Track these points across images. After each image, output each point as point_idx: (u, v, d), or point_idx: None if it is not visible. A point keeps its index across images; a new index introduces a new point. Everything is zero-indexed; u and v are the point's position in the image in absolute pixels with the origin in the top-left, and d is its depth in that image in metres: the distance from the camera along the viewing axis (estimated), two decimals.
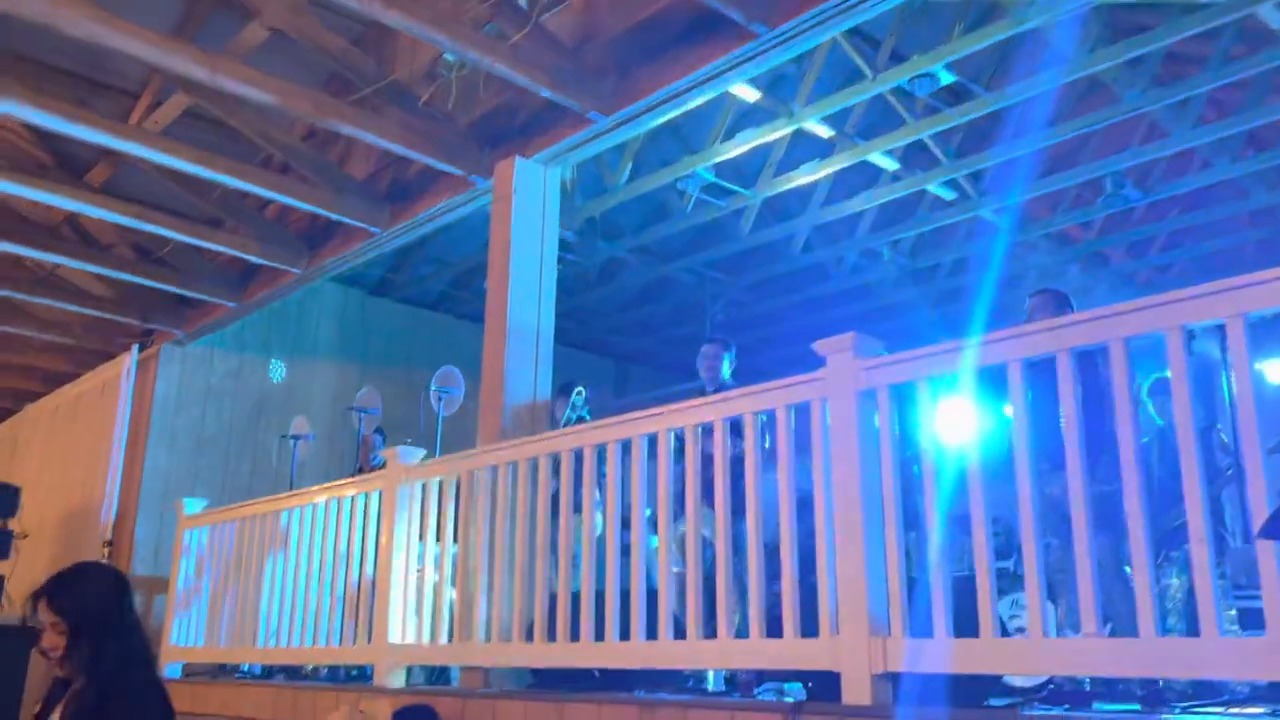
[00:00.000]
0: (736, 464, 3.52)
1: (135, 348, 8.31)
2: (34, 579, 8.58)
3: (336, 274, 7.71)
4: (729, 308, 9.63)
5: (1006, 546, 6.22)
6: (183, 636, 6.26)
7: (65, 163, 6.47)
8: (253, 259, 6.91)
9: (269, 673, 5.89)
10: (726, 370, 5.05)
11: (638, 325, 10.36)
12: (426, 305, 9.56)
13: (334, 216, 6.28)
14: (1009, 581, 5.63)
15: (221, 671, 6.09)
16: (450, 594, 4.57)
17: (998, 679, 3.66)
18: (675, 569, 3.86)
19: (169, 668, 6.34)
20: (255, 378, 8.51)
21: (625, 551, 3.92)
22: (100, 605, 2.59)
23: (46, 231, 7.23)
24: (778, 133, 6.41)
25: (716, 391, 4.64)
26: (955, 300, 9.23)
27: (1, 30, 5.45)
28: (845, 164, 6.82)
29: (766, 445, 3.86)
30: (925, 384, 3.02)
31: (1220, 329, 2.50)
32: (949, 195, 7.38)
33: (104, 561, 7.53)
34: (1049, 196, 7.68)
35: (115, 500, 7.95)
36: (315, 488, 5.58)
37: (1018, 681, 4.52)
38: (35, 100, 5.17)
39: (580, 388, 5.23)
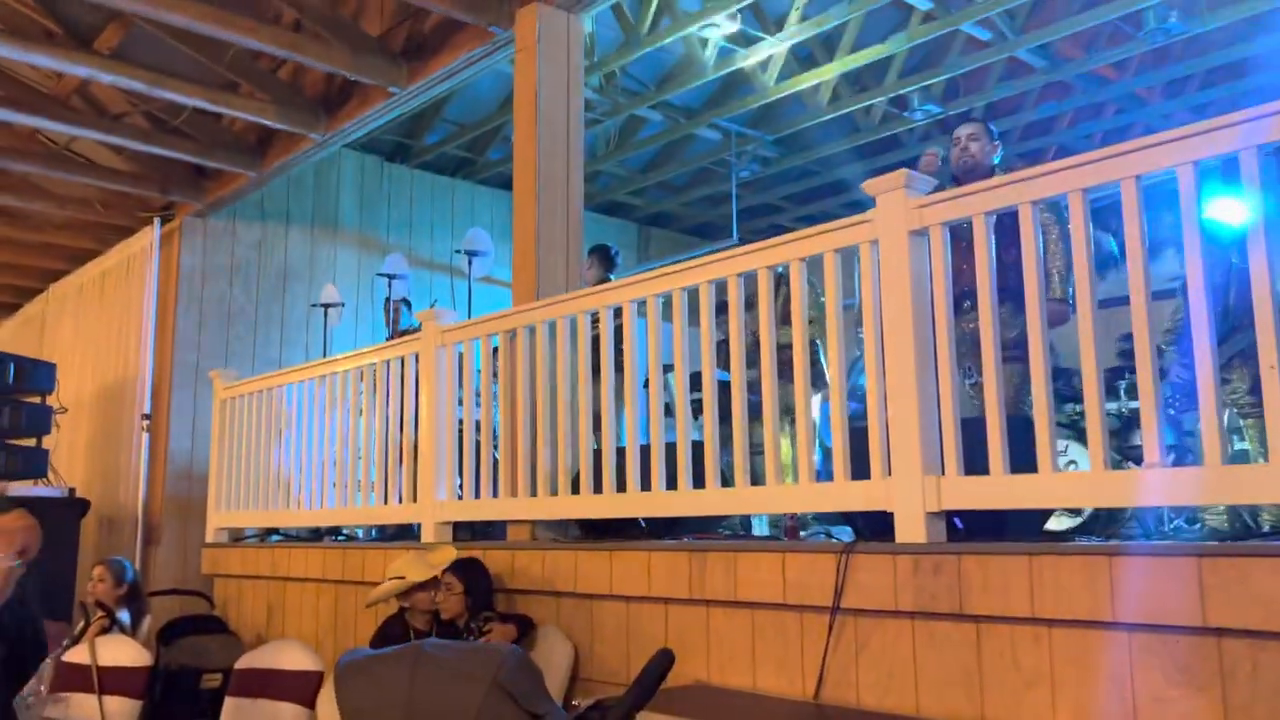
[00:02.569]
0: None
1: (157, 221, 8.24)
2: (75, 453, 8.77)
3: (354, 140, 7.57)
4: (753, 165, 9.42)
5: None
6: (227, 503, 6.39)
7: (72, 29, 6.27)
8: (269, 124, 6.76)
9: (316, 534, 6.01)
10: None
11: (659, 187, 10.18)
12: (445, 171, 9.40)
13: (350, 76, 6.09)
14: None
15: (268, 535, 6.22)
16: (494, 453, 4.61)
17: (1044, 521, 3.69)
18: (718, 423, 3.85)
19: (216, 534, 6.50)
20: (279, 248, 8.46)
21: (669, 411, 3.92)
22: None
23: (58, 103, 7.07)
24: None
25: None
26: None
27: None
28: (874, 4, 6.53)
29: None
30: (982, 220, 2.93)
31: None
32: (984, 35, 7.09)
33: None
34: (1083, 35, 7.37)
35: (150, 374, 8.01)
36: (350, 353, 5.58)
37: (1052, 524, 4.58)
38: None
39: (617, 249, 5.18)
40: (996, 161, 4.20)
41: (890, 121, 8.60)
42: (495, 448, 4.66)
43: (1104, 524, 4.57)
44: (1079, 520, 4.72)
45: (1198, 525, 4.78)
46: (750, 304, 3.80)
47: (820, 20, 6.75)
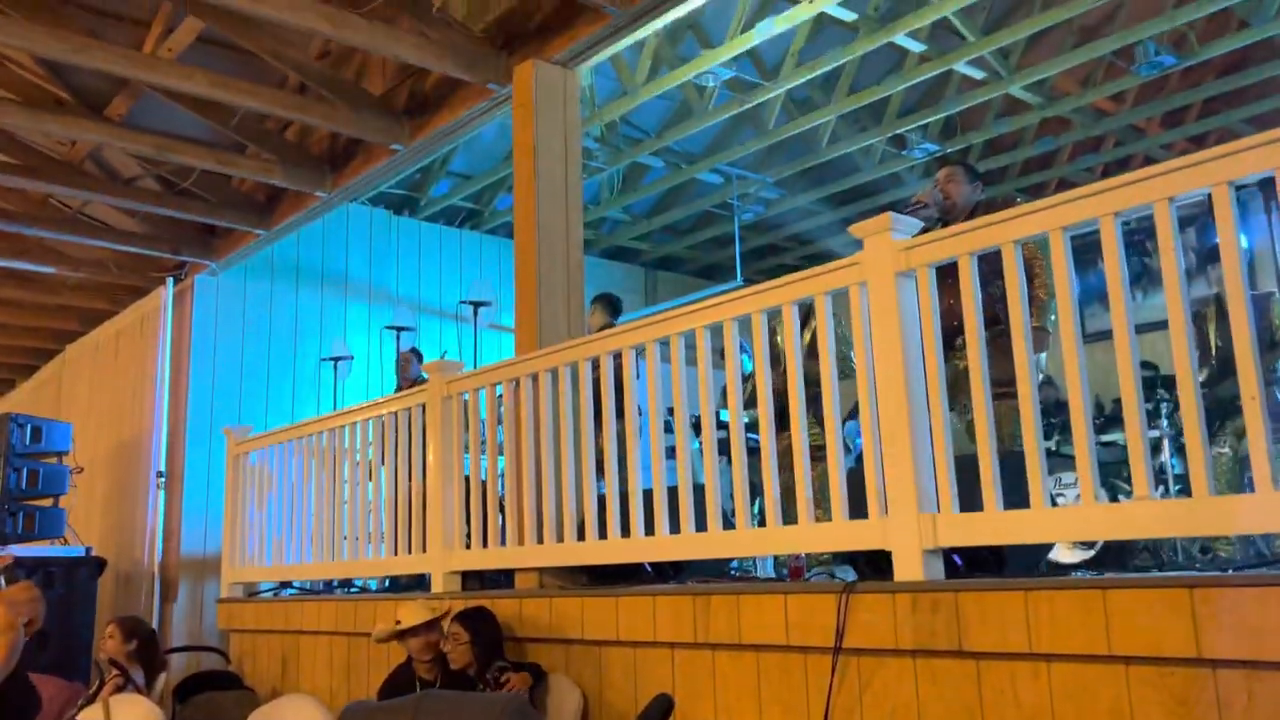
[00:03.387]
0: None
1: (170, 281, 8.38)
2: (91, 511, 8.84)
3: (361, 195, 7.71)
4: (755, 206, 9.52)
5: (1046, 427, 6.23)
6: (241, 558, 6.44)
7: (83, 98, 6.44)
8: (276, 183, 6.90)
9: (329, 587, 6.05)
10: None
11: (664, 231, 10.28)
12: (451, 223, 9.53)
13: (354, 135, 6.23)
14: (1051, 461, 5.64)
15: (281, 589, 6.26)
16: (500, 501, 4.65)
17: (1046, 554, 3.71)
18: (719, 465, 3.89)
19: (231, 588, 6.55)
20: (289, 303, 8.58)
21: (670, 454, 3.96)
22: None
23: (71, 168, 7.24)
24: (798, 20, 6.24)
25: None
26: (988, 184, 9.06)
27: None
28: (869, 48, 6.65)
29: (807, 341, 3.86)
30: (968, 260, 2.98)
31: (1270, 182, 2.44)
32: (978, 74, 7.19)
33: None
34: (1080, 69, 7.46)
35: (164, 432, 8.11)
36: (359, 406, 5.65)
37: (1064, 558, 4.58)
38: (47, 34, 5.13)
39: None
40: (979, 200, 4.26)
41: (890, 160, 8.69)
42: (502, 496, 4.71)
43: (1116, 555, 4.56)
44: (1090, 553, 4.72)
45: (1210, 555, 4.77)
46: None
47: (815, 65, 6.86)
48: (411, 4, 5.30)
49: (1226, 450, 4.99)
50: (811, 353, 3.99)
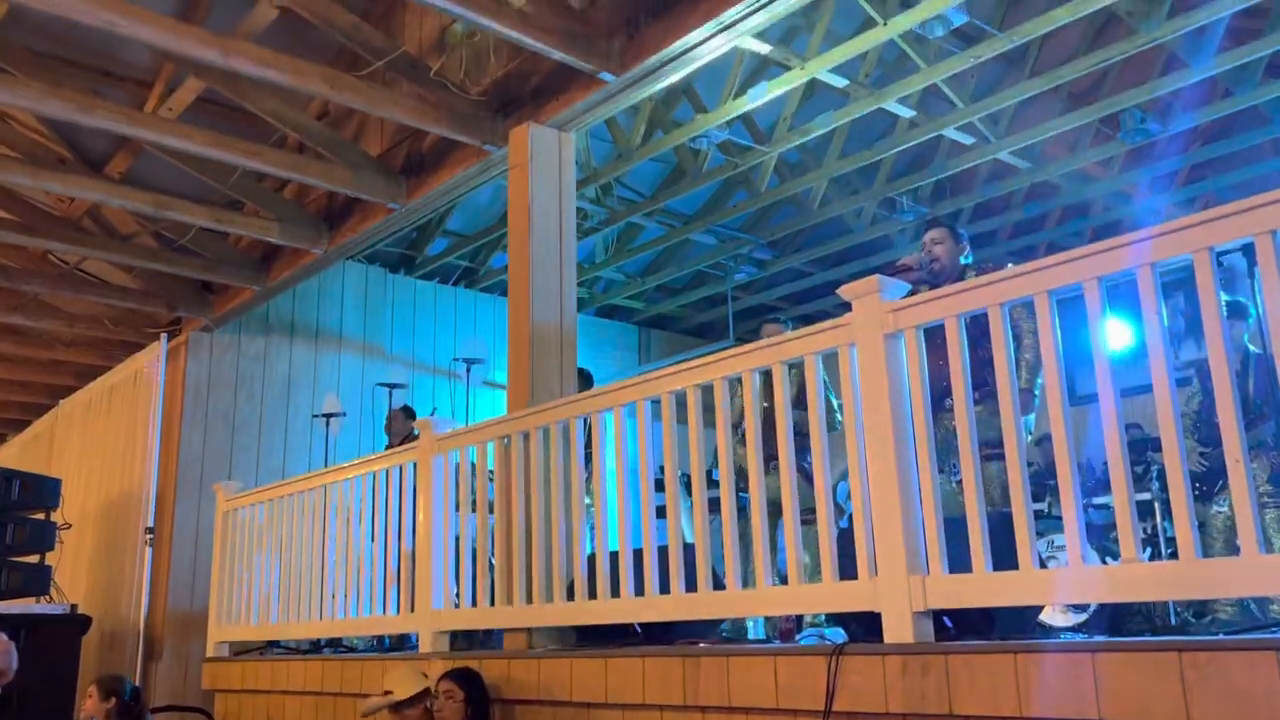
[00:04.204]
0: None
1: (164, 337, 8.41)
2: (78, 567, 8.75)
3: (357, 253, 7.77)
4: (749, 267, 9.61)
5: (1039, 488, 6.23)
6: (229, 616, 6.37)
7: (84, 155, 6.53)
8: (273, 241, 6.96)
9: (316, 646, 5.99)
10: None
11: (658, 290, 10.36)
12: (447, 281, 9.60)
13: (351, 194, 6.30)
14: (1044, 523, 5.65)
15: (269, 648, 6.19)
16: (489, 560, 4.63)
17: (1035, 616, 3.69)
18: (710, 524, 3.89)
19: (217, 648, 6.47)
20: (283, 359, 8.60)
21: (660, 513, 3.97)
22: None
23: (69, 225, 7.31)
24: (791, 85, 6.36)
25: None
26: (978, 247, 9.16)
27: (13, 26, 5.49)
28: (860, 113, 6.77)
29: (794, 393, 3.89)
30: (955, 321, 3.01)
31: (1249, 248, 2.49)
32: (967, 140, 7.31)
33: None
34: (1068, 135, 7.59)
35: (154, 488, 8.07)
36: (350, 463, 5.64)
37: (1056, 620, 4.56)
38: (51, 93, 5.21)
39: None
40: (968, 262, 4.31)
41: (881, 223, 8.80)
42: (492, 555, 4.69)
43: (1109, 619, 4.54)
44: (1084, 616, 4.70)
45: (1207, 618, 4.75)
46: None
47: (807, 129, 6.98)
48: (410, 67, 5.41)
49: (1226, 510, 5.00)
50: (798, 404, 4.02)
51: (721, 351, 3.75)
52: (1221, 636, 2.94)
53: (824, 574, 3.22)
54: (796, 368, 4.02)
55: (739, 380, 3.62)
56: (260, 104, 5.84)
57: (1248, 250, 2.59)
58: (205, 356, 8.30)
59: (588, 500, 4.63)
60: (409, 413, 6.98)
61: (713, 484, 4.00)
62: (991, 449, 3.57)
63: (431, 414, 5.44)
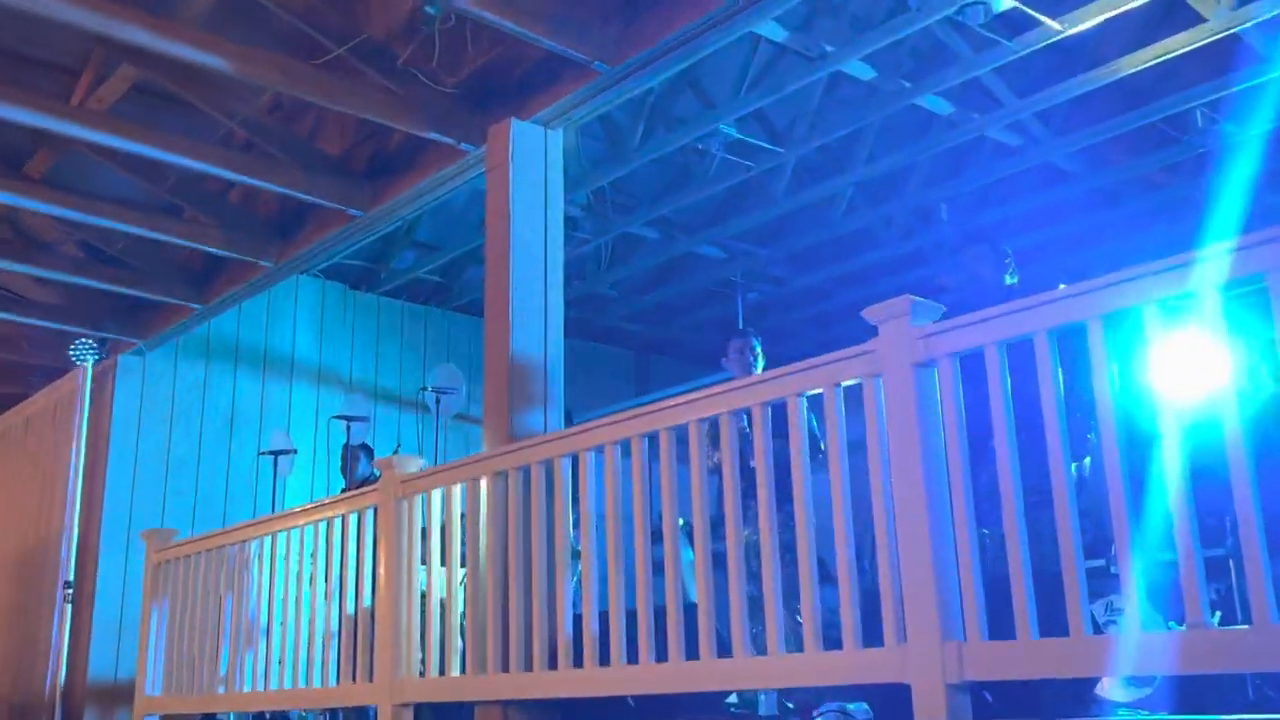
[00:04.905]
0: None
1: (89, 361, 8.40)
2: None
3: (313, 267, 7.80)
4: (763, 285, 9.65)
5: (1096, 542, 6.23)
6: (159, 685, 6.34)
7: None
8: (216, 252, 6.99)
9: None
10: (760, 366, 5.33)
11: (659, 311, 10.39)
12: (417, 299, 9.63)
13: (307, 198, 6.34)
14: (1102, 582, 5.64)
15: None
16: (460, 620, 4.62)
17: (1090, 690, 3.69)
18: (714, 581, 3.89)
19: None
20: (225, 389, 8.60)
21: (658, 569, 3.96)
22: None
23: None
24: (812, 78, 6.41)
25: None
26: (1024, 263, 9.20)
27: None
28: (891, 109, 6.81)
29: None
30: (994, 350, 3.03)
31: None
32: (1013, 140, 7.36)
33: None
34: (1128, 137, 7.62)
35: (75, 535, 8.05)
36: (301, 508, 5.64)
37: (1114, 695, 4.55)
38: None
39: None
40: (1013, 282, 4.34)
41: (914, 236, 8.84)
42: (463, 615, 4.68)
43: (1178, 693, 4.53)
44: (1148, 690, 4.69)
45: None
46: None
47: (829, 128, 7.02)
48: (375, 55, 5.44)
49: None
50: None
51: (728, 382, 3.76)
52: None
53: (845, 639, 3.21)
54: None
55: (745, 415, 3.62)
56: (203, 96, 5.87)
57: None
58: (136, 384, 8.31)
59: (575, 548, 4.62)
60: (368, 451, 6.99)
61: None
62: (1040, 495, 3.57)
63: (395, 452, 5.44)
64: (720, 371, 7.52)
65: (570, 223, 7.72)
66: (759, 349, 5.42)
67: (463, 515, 4.72)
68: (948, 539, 3.04)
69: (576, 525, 4.25)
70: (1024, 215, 8.80)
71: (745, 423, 4.03)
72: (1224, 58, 6.98)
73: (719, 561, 3.70)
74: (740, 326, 9.03)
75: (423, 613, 4.73)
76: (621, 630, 3.83)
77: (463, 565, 4.68)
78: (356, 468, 6.80)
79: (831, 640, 3.35)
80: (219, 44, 5.00)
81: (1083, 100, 7.12)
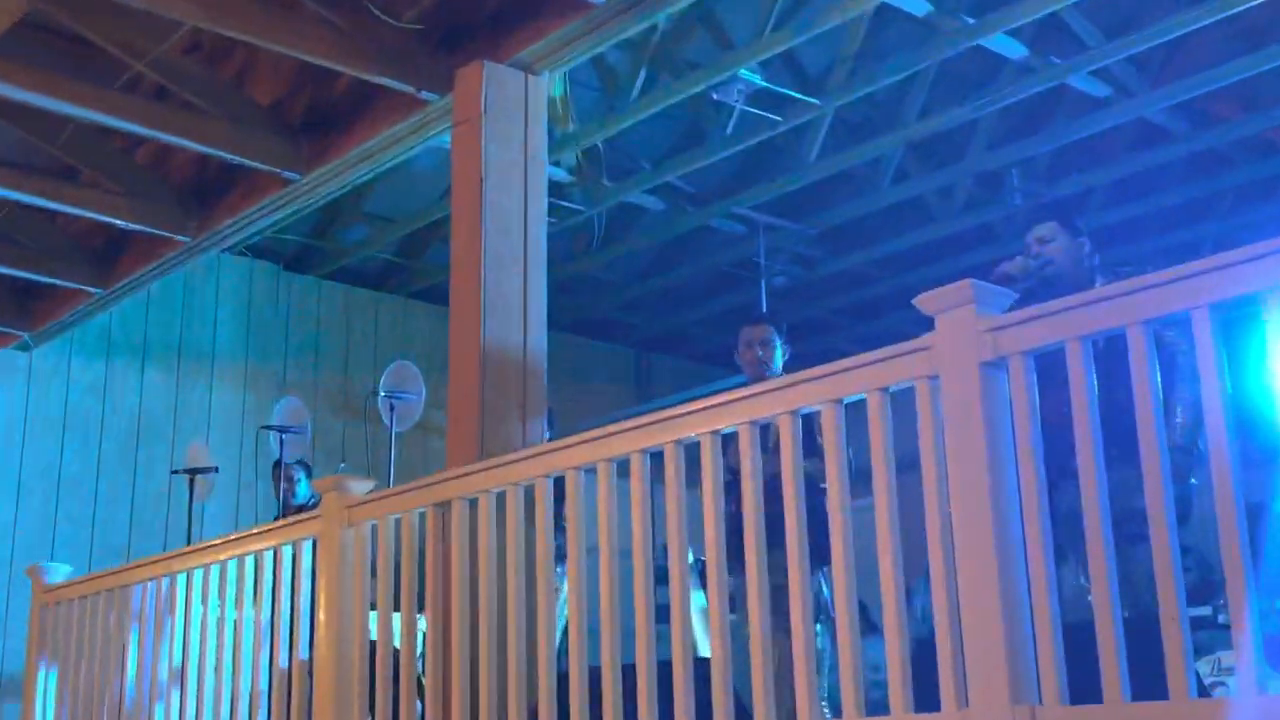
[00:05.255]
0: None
1: None
2: None
3: (239, 243, 7.78)
4: (791, 267, 9.64)
5: (1202, 586, 6.23)
6: None
7: None
8: (121, 224, 6.97)
9: None
10: (779, 361, 5.30)
11: (663, 299, 10.38)
12: (366, 283, 9.62)
13: (232, 158, 6.32)
14: (1209, 635, 5.63)
15: None
16: (418, 677, 4.62)
17: None
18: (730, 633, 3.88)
19: None
20: (131, 393, 8.59)
21: (662, 614, 3.95)
22: None
23: None
24: (854, 14, 6.40)
25: None
26: (1110, 243, 9.21)
27: None
28: (950, 52, 6.80)
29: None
30: (1078, 346, 3.01)
31: None
32: (1100, 91, 7.35)
33: None
34: (1239, 87, 7.60)
35: None
36: (223, 539, 5.63)
37: None
38: None
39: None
40: (1095, 264, 4.33)
41: (978, 208, 8.82)
42: (421, 670, 4.67)
43: None
44: None
45: None
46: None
47: (874, 76, 7.01)
48: None
49: None
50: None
51: (750, 386, 3.74)
52: None
53: (893, 703, 3.20)
54: None
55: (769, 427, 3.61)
56: (106, 32, 5.86)
57: None
58: (20, 385, 8.29)
59: (560, 590, 4.61)
60: (307, 469, 6.98)
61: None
62: (1132, 527, 3.55)
63: (339, 470, 5.44)
64: (737, 373, 7.55)
65: (555, 189, 7.72)
66: (778, 343, 5.37)
67: (422, 549, 4.71)
68: (1020, 580, 3.03)
69: (562, 562, 4.23)
70: (1113, 184, 8.81)
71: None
72: None
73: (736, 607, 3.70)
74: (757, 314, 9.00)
75: (372, 667, 4.72)
76: (617, 690, 3.83)
77: (420, 610, 4.67)
78: (293, 490, 6.79)
79: (875, 703, 3.34)
80: None
81: (1184, 42, 7.11)
